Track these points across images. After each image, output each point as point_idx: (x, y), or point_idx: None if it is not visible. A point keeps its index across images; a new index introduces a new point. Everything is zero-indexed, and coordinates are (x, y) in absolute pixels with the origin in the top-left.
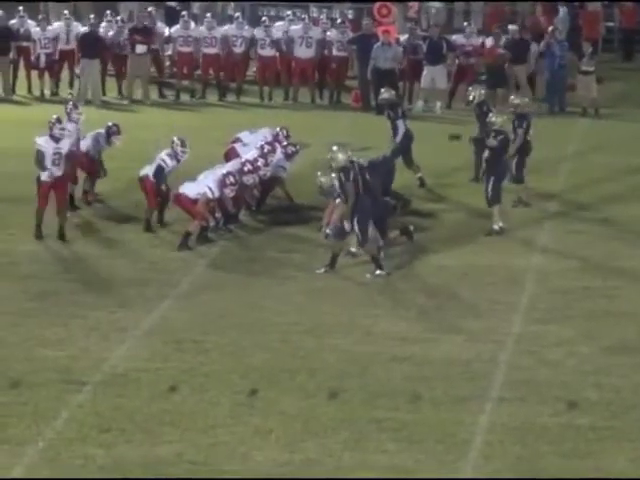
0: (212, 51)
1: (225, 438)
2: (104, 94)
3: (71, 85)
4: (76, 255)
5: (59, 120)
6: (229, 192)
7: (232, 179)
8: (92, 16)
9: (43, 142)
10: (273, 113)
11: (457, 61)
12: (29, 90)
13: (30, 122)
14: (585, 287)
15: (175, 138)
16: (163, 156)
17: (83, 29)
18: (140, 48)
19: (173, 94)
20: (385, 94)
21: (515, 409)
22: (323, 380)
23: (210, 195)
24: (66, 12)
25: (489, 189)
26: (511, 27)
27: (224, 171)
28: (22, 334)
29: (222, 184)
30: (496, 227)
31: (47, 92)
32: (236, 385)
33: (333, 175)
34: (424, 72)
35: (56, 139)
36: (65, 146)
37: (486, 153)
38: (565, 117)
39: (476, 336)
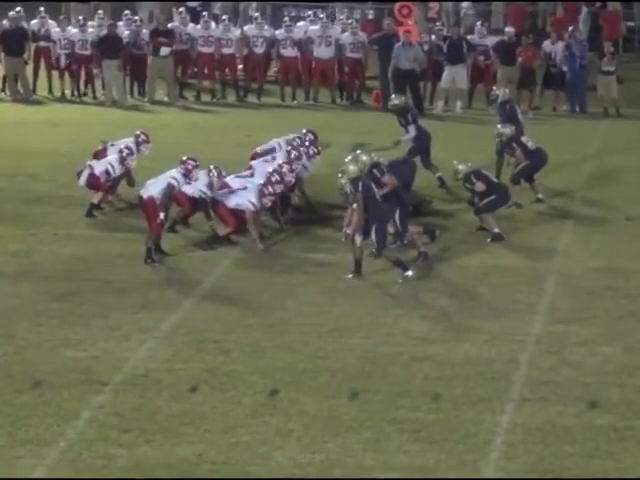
0: (228, 52)
1: (246, 438)
2: (131, 95)
3: (86, 86)
4: (98, 255)
5: (196, 165)
6: (267, 202)
7: (270, 189)
8: (120, 23)
9: (181, 180)
10: (294, 113)
11: (471, 61)
12: (50, 91)
13: (51, 122)
14: (607, 287)
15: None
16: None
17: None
18: (164, 50)
19: (194, 94)
20: (395, 100)
21: (536, 409)
22: (344, 380)
23: (253, 209)
24: (80, 17)
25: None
26: (507, 29)
27: (261, 181)
28: (43, 334)
29: (261, 194)
30: (497, 230)
31: (67, 92)
32: (257, 385)
33: (343, 181)
34: (445, 72)
35: (188, 181)
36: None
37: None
38: (586, 117)
39: (497, 336)
